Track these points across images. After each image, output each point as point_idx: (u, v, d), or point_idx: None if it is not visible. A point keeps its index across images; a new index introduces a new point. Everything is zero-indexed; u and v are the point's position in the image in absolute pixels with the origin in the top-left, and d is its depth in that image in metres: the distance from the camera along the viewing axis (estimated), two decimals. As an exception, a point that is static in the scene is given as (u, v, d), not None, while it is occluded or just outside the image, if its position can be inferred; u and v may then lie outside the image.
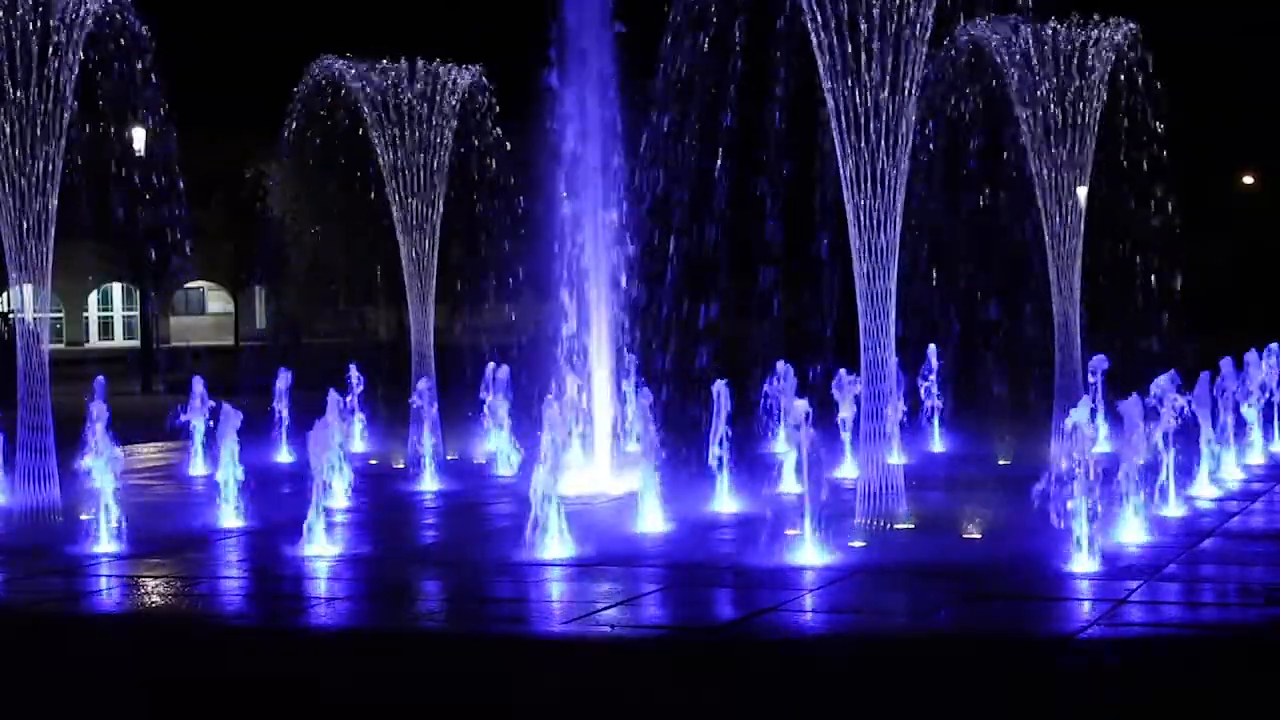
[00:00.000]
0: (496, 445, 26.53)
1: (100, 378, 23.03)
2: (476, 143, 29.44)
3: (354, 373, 29.90)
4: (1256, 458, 25.71)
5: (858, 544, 18.19)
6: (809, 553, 17.01)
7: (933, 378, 28.71)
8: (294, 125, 29.52)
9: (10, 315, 29.84)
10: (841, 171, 19.78)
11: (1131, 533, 18.10)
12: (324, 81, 28.90)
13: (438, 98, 28.74)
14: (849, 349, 20.75)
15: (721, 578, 16.97)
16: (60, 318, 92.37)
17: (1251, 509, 21.21)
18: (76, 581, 17.44)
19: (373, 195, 30.22)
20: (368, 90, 28.53)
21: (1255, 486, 23.15)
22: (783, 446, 24.73)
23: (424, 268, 29.46)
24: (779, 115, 22.84)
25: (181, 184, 27.70)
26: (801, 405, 17.53)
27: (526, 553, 17.55)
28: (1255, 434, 25.99)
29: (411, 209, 29.06)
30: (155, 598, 16.67)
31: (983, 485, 22.51)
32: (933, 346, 28.90)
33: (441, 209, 29.30)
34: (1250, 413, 25.40)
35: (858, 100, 19.40)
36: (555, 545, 17.58)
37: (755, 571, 16.75)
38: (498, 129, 29.42)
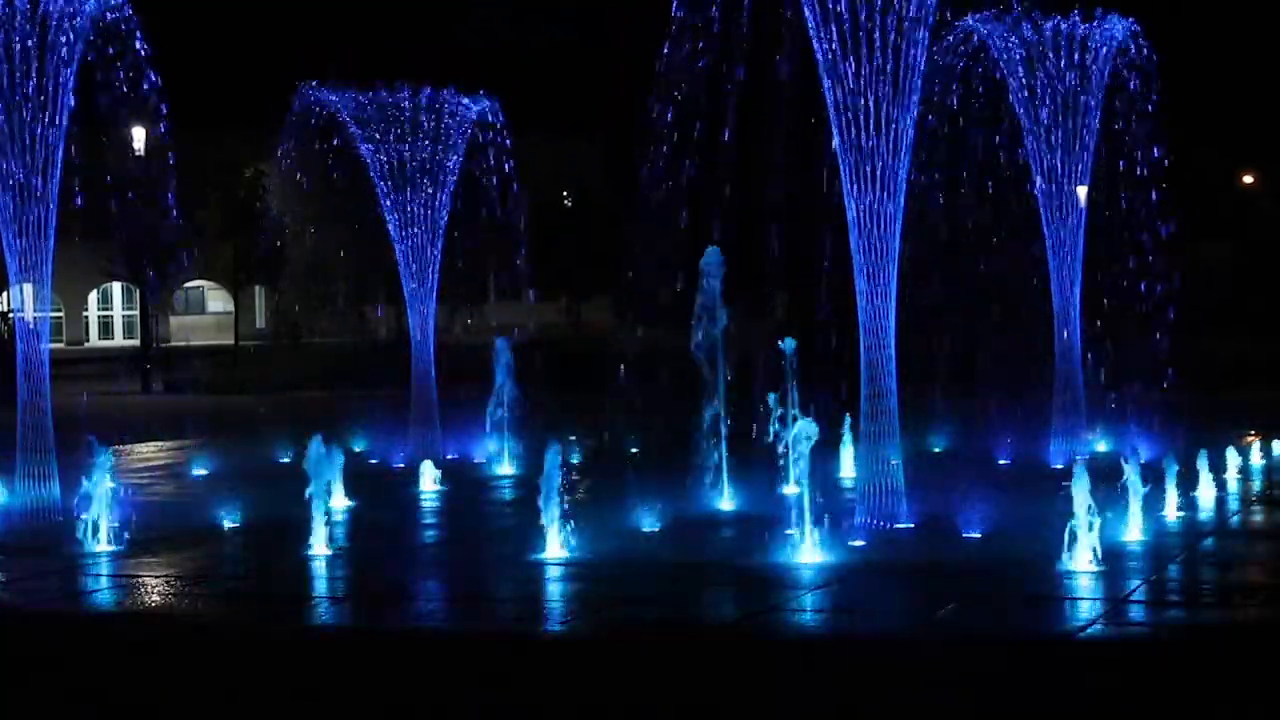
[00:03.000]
0: None
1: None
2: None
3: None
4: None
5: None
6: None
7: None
8: (289, 147, 29.46)
9: (10, 315, 29.84)
10: (842, 169, 19.76)
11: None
12: (316, 107, 28.81)
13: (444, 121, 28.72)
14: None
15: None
16: (60, 317, 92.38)
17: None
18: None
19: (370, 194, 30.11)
20: (363, 116, 28.47)
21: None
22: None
23: (423, 266, 29.43)
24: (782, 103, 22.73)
25: (180, 184, 27.69)
26: None
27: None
28: None
29: (411, 209, 29.02)
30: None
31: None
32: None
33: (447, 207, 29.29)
34: None
35: (859, 91, 19.38)
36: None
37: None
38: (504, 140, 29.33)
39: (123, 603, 16.43)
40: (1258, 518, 20.81)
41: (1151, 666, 13.19)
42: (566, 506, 18.05)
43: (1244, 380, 39.40)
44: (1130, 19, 26.65)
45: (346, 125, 28.53)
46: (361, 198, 30.51)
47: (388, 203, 29.06)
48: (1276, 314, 59.52)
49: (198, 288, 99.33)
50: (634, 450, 28.35)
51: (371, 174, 28.96)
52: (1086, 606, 15.11)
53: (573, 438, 27.72)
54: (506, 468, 26.64)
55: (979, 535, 18.66)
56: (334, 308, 71.23)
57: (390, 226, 29.16)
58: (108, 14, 21.64)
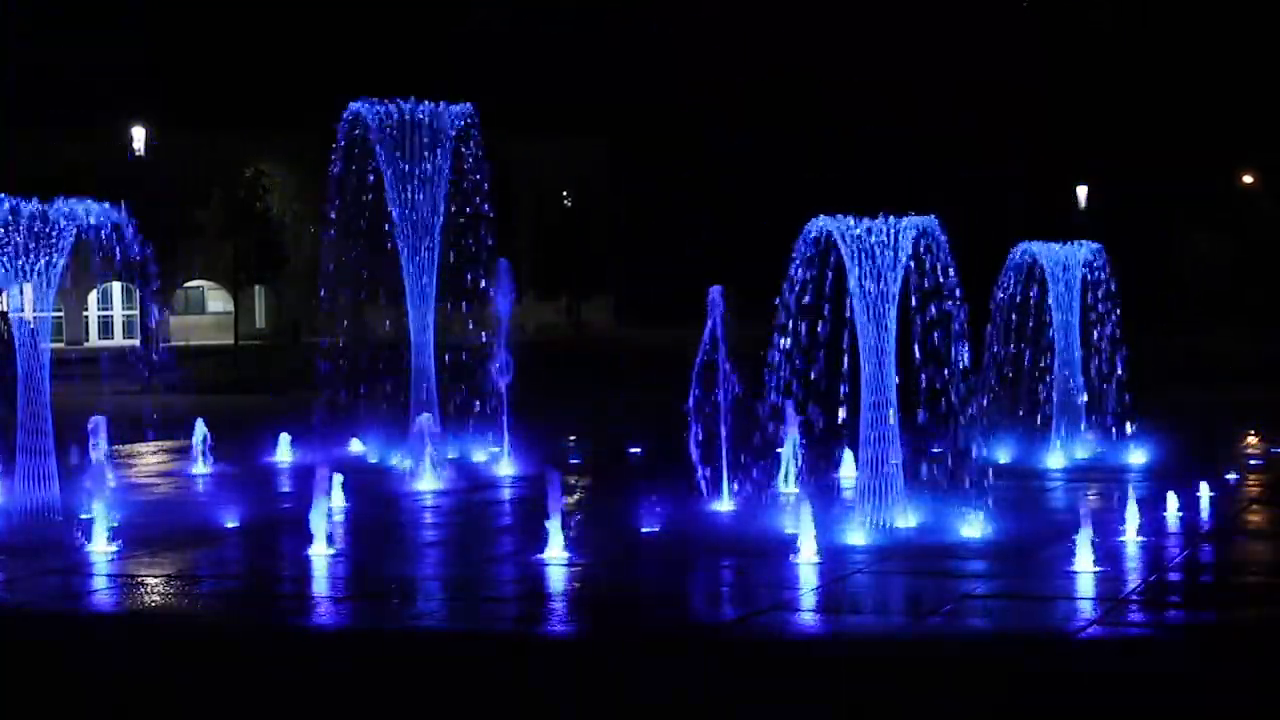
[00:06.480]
0: None
1: None
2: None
3: None
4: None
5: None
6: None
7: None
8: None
9: (10, 315, 29.85)
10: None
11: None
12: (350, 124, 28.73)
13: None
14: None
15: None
16: (60, 317, 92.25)
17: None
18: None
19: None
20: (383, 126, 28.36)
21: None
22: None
23: (423, 266, 29.34)
24: None
25: (181, 184, 27.68)
26: None
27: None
28: None
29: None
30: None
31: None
32: None
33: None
34: None
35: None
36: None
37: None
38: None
39: (123, 603, 16.43)
40: (1255, 518, 20.83)
41: (1151, 666, 13.20)
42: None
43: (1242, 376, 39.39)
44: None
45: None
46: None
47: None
48: (1275, 310, 59.55)
49: (198, 288, 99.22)
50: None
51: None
52: (1087, 606, 15.12)
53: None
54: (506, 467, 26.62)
55: (978, 535, 18.67)
56: (335, 309, 71.23)
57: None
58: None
